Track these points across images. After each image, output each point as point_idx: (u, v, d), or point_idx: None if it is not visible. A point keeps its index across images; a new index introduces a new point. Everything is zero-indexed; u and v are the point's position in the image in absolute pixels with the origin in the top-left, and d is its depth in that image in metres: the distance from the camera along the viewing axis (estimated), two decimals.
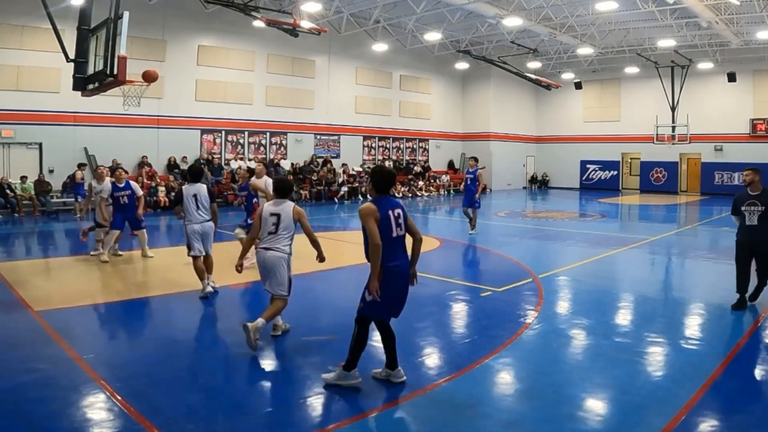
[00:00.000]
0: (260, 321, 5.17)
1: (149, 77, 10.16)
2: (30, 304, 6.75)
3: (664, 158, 30.04)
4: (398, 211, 4.36)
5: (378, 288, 4.20)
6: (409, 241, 4.45)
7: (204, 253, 7.32)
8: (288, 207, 5.46)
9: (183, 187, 7.49)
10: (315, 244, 5.45)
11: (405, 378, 4.48)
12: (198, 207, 7.25)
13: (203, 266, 7.29)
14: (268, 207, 5.53)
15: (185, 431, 3.76)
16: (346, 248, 11.33)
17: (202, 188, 7.37)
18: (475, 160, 13.96)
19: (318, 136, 25.88)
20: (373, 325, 4.49)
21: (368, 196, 4.63)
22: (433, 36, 24.88)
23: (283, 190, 5.57)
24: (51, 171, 18.04)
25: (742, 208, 6.70)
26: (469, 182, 13.54)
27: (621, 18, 22.69)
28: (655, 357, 5.29)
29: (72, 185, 17.45)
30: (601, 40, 25.71)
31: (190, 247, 7.27)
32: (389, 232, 4.26)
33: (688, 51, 26.08)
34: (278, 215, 5.42)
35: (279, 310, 5.45)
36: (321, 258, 5.48)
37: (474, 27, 24.85)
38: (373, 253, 4.20)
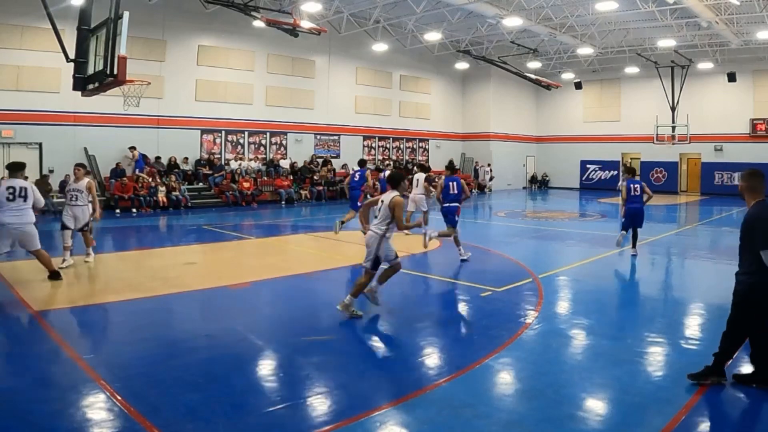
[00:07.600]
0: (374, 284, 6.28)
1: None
2: (30, 304, 6.75)
3: (664, 158, 30.03)
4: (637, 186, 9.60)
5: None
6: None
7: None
8: (388, 197, 6.28)
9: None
10: (403, 229, 6.44)
11: None
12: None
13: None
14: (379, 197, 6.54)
15: (185, 431, 3.77)
16: (346, 248, 11.28)
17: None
18: (379, 170, 12.96)
19: (318, 136, 25.88)
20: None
21: None
22: (433, 36, 24.87)
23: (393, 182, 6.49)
24: (51, 171, 18.02)
25: None
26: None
27: (621, 18, 22.68)
28: (655, 357, 5.29)
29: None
30: (601, 40, 25.70)
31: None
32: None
33: (688, 51, 26.08)
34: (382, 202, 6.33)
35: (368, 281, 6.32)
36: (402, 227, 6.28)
37: (474, 27, 24.84)
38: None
